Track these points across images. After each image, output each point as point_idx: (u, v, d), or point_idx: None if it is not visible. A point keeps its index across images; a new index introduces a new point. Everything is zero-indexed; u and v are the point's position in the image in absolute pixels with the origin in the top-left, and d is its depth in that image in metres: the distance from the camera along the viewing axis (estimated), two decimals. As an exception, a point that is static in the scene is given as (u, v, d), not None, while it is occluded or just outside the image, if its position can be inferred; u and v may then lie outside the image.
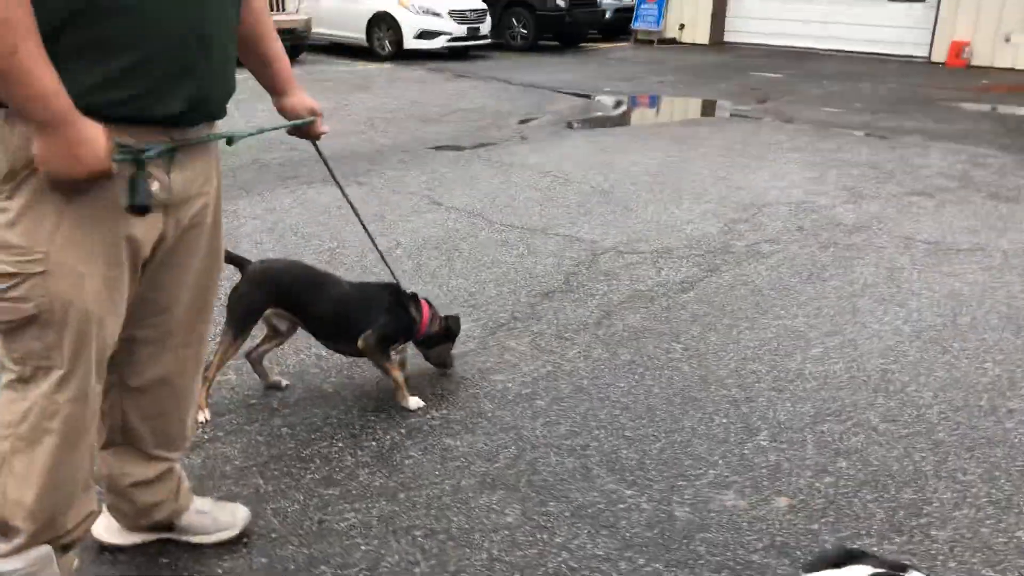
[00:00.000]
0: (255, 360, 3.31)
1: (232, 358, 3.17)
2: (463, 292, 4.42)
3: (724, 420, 3.23)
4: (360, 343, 3.16)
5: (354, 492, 2.72)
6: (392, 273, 3.31)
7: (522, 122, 9.14)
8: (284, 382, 3.36)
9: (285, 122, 2.38)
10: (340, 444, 2.99)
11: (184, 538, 2.41)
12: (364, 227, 3.14)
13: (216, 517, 2.44)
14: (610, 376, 3.55)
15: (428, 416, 3.20)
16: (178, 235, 2.00)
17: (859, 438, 3.14)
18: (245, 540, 2.48)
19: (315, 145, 2.51)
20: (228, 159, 6.32)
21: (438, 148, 7.73)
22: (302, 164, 6.76)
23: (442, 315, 3.41)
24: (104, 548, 2.39)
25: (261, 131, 2.37)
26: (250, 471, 2.81)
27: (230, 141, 2.08)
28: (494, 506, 2.68)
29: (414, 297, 3.30)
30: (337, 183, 2.81)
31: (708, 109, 10.77)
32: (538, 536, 2.55)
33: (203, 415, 3.04)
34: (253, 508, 2.58)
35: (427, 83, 11.63)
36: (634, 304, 4.30)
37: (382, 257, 3.31)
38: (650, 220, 5.75)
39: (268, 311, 3.18)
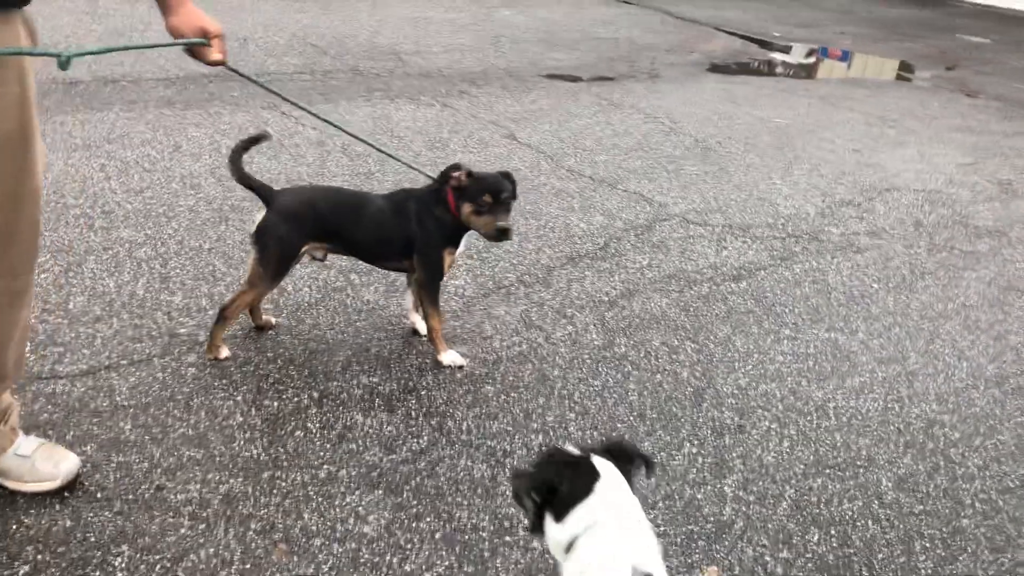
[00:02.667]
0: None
1: (259, 302, 2.88)
2: (479, 242, 3.96)
3: (694, 451, 2.66)
4: (414, 285, 2.94)
5: (217, 460, 2.39)
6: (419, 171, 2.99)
7: (658, 60, 8.35)
8: (274, 320, 3.05)
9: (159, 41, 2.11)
10: (238, 398, 2.65)
11: (-1, 481, 2.15)
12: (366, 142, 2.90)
13: (35, 465, 2.18)
14: (588, 370, 3.03)
15: (354, 383, 2.81)
16: None
17: (853, 506, 2.50)
18: (66, 495, 2.20)
19: (231, 69, 2.19)
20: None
21: (550, 76, 7.15)
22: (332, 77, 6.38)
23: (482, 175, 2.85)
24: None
25: (107, 50, 2.07)
26: (124, 411, 2.53)
27: (64, 65, 1.75)
28: (360, 509, 2.28)
29: (436, 192, 2.84)
30: (282, 98, 2.68)
31: (879, 69, 9.54)
32: (386, 558, 2.13)
33: (224, 351, 2.78)
34: (100, 458, 2.32)
35: (577, 5, 10.91)
36: (668, 286, 3.71)
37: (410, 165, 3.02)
38: (742, 188, 5.03)
39: (306, 247, 2.81)
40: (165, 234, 3.59)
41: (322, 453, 2.47)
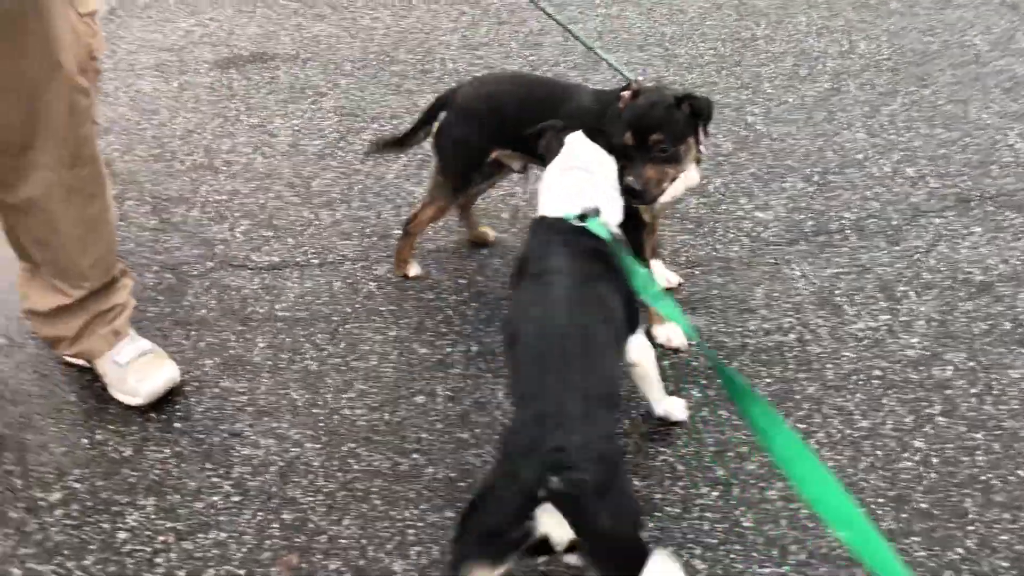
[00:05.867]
0: (462, 204, 2.50)
1: (443, 216, 2.43)
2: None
3: None
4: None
5: (310, 411, 2.04)
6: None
7: None
8: (491, 235, 2.57)
9: None
10: (391, 334, 2.25)
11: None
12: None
13: (126, 377, 2.05)
14: (871, 401, 2.01)
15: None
16: None
17: None
18: (151, 414, 2.03)
19: None
20: None
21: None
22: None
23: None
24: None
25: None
26: (271, 324, 2.29)
27: None
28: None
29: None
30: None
31: None
32: None
33: (414, 269, 2.46)
34: (211, 377, 2.15)
35: None
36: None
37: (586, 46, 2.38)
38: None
39: (493, 154, 2.26)
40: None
41: (424, 435, 1.95)
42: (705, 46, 3.51)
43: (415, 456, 1.91)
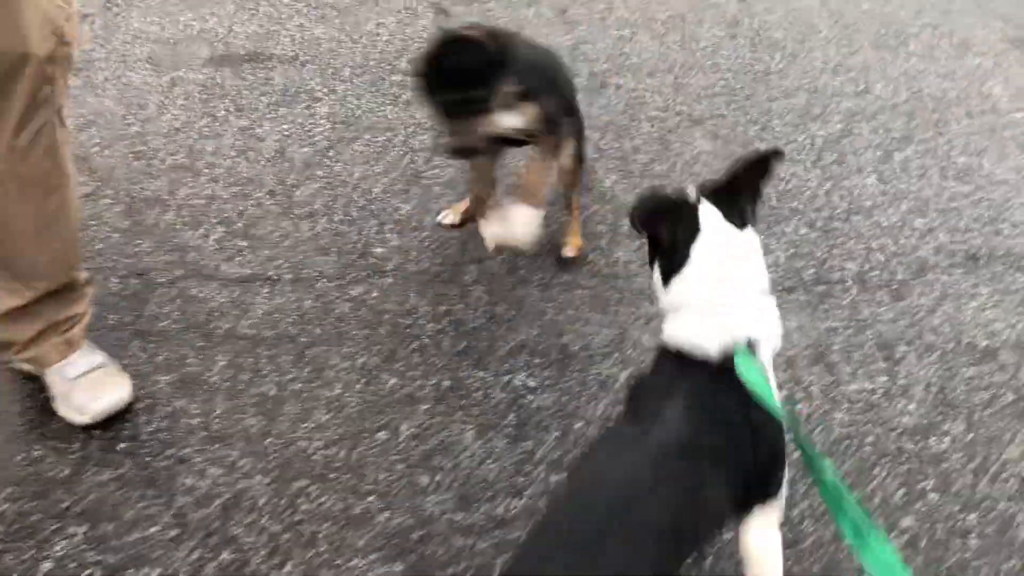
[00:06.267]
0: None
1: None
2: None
3: None
4: None
5: (262, 442, 1.92)
6: None
7: None
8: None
9: None
10: (360, 361, 2.11)
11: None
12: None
13: (73, 392, 1.94)
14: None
15: (514, 379, 2.08)
16: None
17: None
18: (95, 432, 1.91)
19: None
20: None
21: None
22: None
23: None
24: None
25: None
26: (232, 343, 2.17)
27: None
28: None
29: None
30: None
31: None
32: None
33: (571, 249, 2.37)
34: (164, 395, 2.03)
35: None
36: None
37: None
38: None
39: None
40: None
41: (382, 475, 1.83)
42: (716, 76, 3.40)
43: (370, 499, 1.79)
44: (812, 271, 2.45)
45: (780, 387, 2.04)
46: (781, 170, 2.85)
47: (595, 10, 3.76)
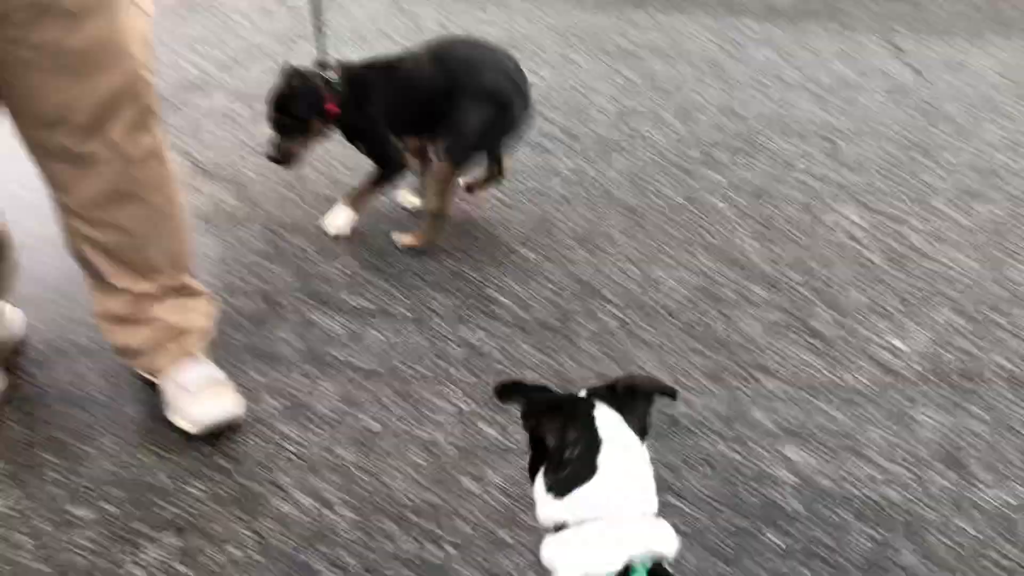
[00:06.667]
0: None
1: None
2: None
3: None
4: None
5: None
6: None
7: None
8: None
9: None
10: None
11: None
12: None
13: (183, 399, 2.00)
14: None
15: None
16: None
17: None
18: (202, 444, 1.98)
19: None
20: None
21: None
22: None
23: None
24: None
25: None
26: (362, 374, 2.20)
27: None
28: None
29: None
30: None
31: None
32: None
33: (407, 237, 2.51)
34: (286, 416, 2.07)
35: None
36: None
37: None
38: None
39: None
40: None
41: (462, 524, 1.80)
42: (876, 145, 3.23)
43: (447, 548, 1.76)
44: (957, 364, 2.26)
45: (902, 486, 1.88)
46: (937, 251, 2.66)
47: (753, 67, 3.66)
